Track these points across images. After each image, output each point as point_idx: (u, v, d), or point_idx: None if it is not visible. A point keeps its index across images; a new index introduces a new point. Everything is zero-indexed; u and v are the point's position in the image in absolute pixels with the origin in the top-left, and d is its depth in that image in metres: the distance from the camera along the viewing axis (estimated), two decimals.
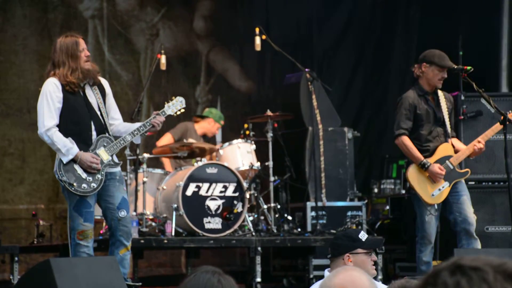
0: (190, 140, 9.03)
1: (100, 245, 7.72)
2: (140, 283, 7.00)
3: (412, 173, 6.94)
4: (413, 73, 7.05)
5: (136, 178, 8.34)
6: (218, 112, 9.88)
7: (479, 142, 6.92)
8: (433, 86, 6.96)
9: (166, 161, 9.45)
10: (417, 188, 6.91)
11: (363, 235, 4.63)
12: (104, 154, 6.23)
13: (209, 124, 9.68)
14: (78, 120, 6.21)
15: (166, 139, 9.38)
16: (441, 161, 6.94)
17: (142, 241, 8.00)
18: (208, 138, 9.81)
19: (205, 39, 11.62)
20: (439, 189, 6.90)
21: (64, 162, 6.13)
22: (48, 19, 10.80)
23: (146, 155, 8.54)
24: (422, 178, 6.91)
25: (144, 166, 8.47)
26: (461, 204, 6.92)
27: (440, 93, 7.06)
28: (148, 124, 6.35)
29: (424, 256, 6.87)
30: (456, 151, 7.03)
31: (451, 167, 6.94)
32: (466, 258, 1.71)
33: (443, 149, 6.98)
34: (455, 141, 7.15)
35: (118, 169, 6.34)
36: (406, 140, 6.93)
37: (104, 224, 8.20)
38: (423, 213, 6.89)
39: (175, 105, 6.62)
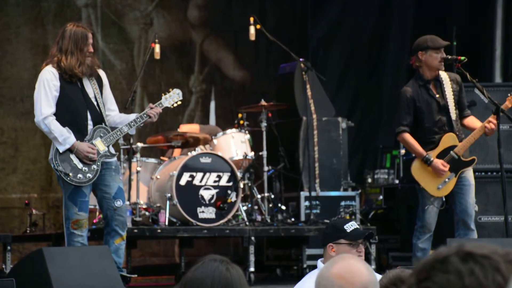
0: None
1: (93, 235, 7.71)
2: (136, 275, 6.99)
3: (416, 168, 6.90)
4: (412, 66, 6.99)
5: (129, 168, 8.33)
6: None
7: (489, 121, 6.83)
8: (435, 71, 6.88)
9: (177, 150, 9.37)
10: (422, 183, 6.87)
11: (350, 226, 4.56)
12: (100, 145, 6.23)
13: None
14: (74, 109, 6.20)
15: (191, 127, 9.31)
16: (446, 152, 6.87)
17: (135, 230, 7.99)
18: None
19: (199, 29, 11.59)
20: (445, 181, 6.85)
21: (61, 152, 6.12)
22: (42, 7, 10.76)
23: (140, 145, 8.52)
24: (426, 171, 6.86)
25: (138, 155, 8.45)
26: (463, 194, 6.88)
27: (444, 75, 6.93)
28: (145, 115, 6.36)
29: (421, 243, 6.84)
30: (472, 129, 6.93)
31: (456, 157, 6.88)
32: (469, 245, 1.70)
33: (447, 140, 6.90)
34: (471, 119, 6.99)
35: (114, 158, 6.34)
36: (407, 136, 6.88)
37: (97, 213, 8.19)
38: (425, 203, 6.86)
39: (172, 97, 6.63)
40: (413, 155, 7.05)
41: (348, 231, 4.55)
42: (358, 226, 4.62)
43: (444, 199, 6.89)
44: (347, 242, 4.54)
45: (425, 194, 6.88)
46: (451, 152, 6.87)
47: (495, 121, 6.81)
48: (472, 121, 7.02)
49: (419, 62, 6.88)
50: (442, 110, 6.91)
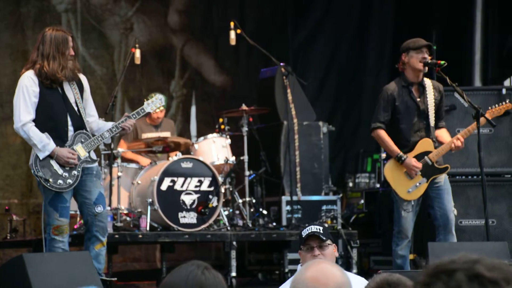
0: (144, 135, 8.92)
1: (74, 240, 7.68)
2: (115, 278, 6.97)
3: (389, 168, 6.91)
4: (398, 69, 7.01)
5: (110, 173, 8.31)
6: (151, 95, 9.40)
7: (457, 139, 6.88)
8: (418, 72, 6.89)
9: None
10: (393, 184, 6.88)
11: (305, 231, 4.50)
12: (81, 150, 6.20)
13: None
14: (54, 115, 6.16)
15: (121, 146, 9.19)
16: (420, 157, 6.87)
17: (116, 236, 7.96)
18: (160, 124, 9.60)
19: (180, 33, 11.58)
20: (416, 185, 6.87)
21: (41, 158, 6.08)
22: (21, 13, 10.71)
23: (120, 150, 8.50)
24: (398, 173, 6.87)
25: (119, 160, 8.43)
26: (441, 199, 6.89)
27: (428, 82, 6.96)
28: (119, 126, 6.33)
29: (400, 250, 6.85)
30: (441, 143, 6.98)
31: (430, 163, 6.89)
32: (484, 263, 1.65)
33: (423, 145, 6.92)
34: (442, 132, 7.04)
35: (95, 164, 6.31)
36: (382, 133, 6.89)
37: (78, 219, 8.16)
38: (399, 207, 6.87)
39: (155, 103, 6.62)
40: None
41: (303, 236, 4.52)
42: (315, 229, 4.50)
43: (413, 202, 6.88)
44: (302, 247, 4.52)
45: (396, 197, 6.89)
46: (426, 157, 6.89)
47: (462, 139, 6.86)
48: (442, 134, 7.04)
49: (403, 65, 6.92)
50: (421, 114, 6.93)
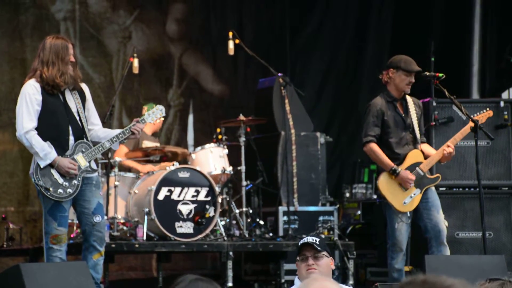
0: (146, 144, 8.89)
1: (70, 249, 7.63)
2: None
3: (383, 181, 6.90)
4: (382, 80, 7.03)
5: (107, 182, 8.30)
6: (150, 105, 9.37)
7: (448, 146, 6.89)
8: (401, 91, 6.93)
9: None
10: (388, 197, 6.87)
11: (301, 241, 4.52)
12: (82, 160, 6.19)
13: None
14: (56, 124, 6.16)
15: (121, 151, 9.20)
16: (411, 168, 6.89)
17: (113, 245, 7.95)
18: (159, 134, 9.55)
19: (178, 42, 11.59)
20: (411, 197, 6.87)
21: (41, 167, 6.08)
22: (20, 20, 10.71)
23: (117, 159, 8.49)
24: (393, 185, 6.87)
25: (116, 169, 8.42)
26: (431, 210, 6.89)
27: (408, 98, 7.03)
28: (127, 131, 6.33)
29: (396, 264, 6.83)
30: (426, 157, 6.99)
31: (421, 173, 6.90)
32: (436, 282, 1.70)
33: (413, 156, 6.93)
34: (425, 146, 7.09)
35: (95, 174, 6.31)
36: (374, 147, 6.89)
37: (75, 228, 8.15)
38: (393, 220, 6.85)
39: (155, 114, 6.61)
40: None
41: (299, 245, 4.52)
42: (311, 240, 4.49)
43: (409, 214, 6.88)
44: (298, 257, 4.52)
45: (392, 209, 6.87)
46: (417, 168, 6.89)
47: (453, 146, 6.87)
48: (426, 148, 7.07)
49: (388, 79, 6.93)
50: (407, 128, 6.96)
